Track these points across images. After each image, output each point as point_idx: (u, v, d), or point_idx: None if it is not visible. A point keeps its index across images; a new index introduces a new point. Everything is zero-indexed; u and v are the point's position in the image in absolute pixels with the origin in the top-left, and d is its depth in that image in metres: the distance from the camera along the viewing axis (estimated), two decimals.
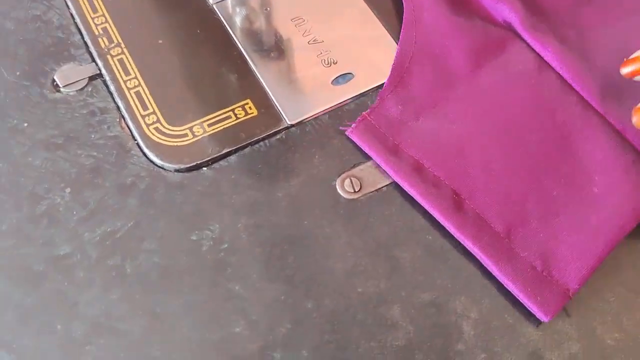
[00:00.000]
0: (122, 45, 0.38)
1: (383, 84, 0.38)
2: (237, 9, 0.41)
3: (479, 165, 0.35)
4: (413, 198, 0.35)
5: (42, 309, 0.31)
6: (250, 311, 0.32)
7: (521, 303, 0.33)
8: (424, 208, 0.35)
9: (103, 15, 0.39)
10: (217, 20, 0.40)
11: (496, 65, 0.39)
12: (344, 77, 0.39)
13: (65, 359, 0.30)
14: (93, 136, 0.36)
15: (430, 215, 0.34)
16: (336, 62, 0.39)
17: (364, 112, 0.37)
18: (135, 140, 0.36)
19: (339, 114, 0.38)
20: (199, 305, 0.32)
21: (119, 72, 0.38)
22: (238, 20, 0.40)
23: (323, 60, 0.39)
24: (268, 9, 0.41)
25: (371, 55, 0.40)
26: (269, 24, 0.40)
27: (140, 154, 0.35)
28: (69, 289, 0.32)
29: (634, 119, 0.33)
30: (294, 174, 0.36)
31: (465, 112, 0.37)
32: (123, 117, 0.37)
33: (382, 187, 0.35)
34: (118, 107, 0.37)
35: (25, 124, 0.36)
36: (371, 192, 0.35)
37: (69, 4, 0.40)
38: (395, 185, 0.35)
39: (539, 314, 0.32)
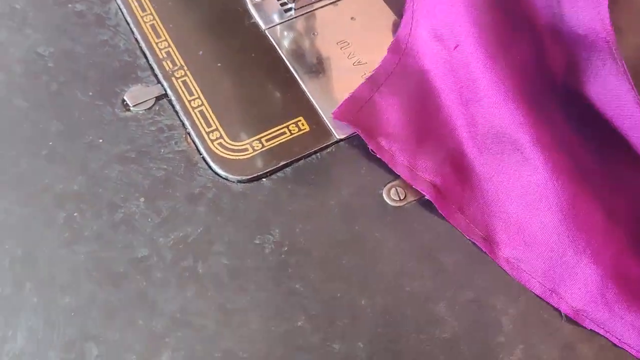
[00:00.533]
0: (185, 68, 0.42)
1: None
2: (287, 34, 0.44)
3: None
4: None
5: (125, 306, 0.35)
6: (310, 307, 0.35)
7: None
8: None
9: (166, 40, 0.43)
10: (269, 45, 0.44)
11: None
12: None
13: (147, 350, 0.34)
14: (162, 151, 0.40)
15: None
16: None
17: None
18: (201, 154, 0.40)
19: None
20: (265, 301, 0.35)
21: (183, 93, 0.41)
22: (288, 44, 0.44)
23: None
24: (315, 33, 0.45)
25: None
26: (317, 48, 0.44)
27: (206, 166, 0.39)
28: (148, 288, 0.35)
29: None
30: (344, 184, 0.39)
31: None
32: (189, 133, 0.40)
33: (425, 196, 0.39)
34: (184, 125, 0.41)
35: (101, 140, 0.40)
36: (415, 200, 0.39)
37: (134, 29, 0.44)
38: None
39: None
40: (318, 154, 0.40)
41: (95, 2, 0.45)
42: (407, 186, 0.39)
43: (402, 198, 0.39)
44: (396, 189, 0.39)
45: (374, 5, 0.46)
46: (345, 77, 0.43)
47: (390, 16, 0.46)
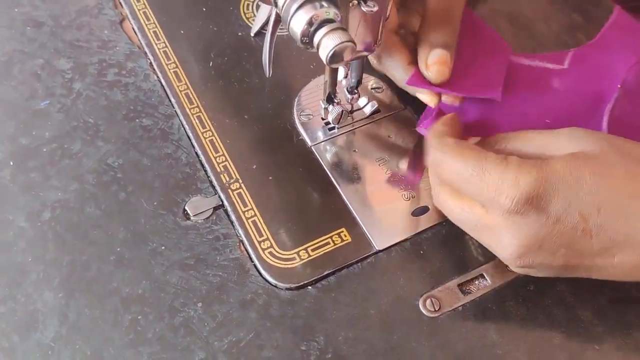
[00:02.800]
0: (240, 181, 0.47)
1: None
2: (330, 151, 0.49)
3: None
4: (485, 316, 0.42)
5: None
6: None
7: None
8: (495, 324, 0.41)
9: (223, 154, 0.48)
10: (315, 160, 0.49)
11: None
12: (422, 210, 0.46)
13: None
14: (218, 258, 0.44)
15: (500, 331, 0.41)
16: (414, 197, 0.47)
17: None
18: (253, 262, 0.44)
19: (418, 241, 0.45)
20: None
21: (238, 204, 0.46)
22: (331, 160, 0.49)
23: (403, 195, 0.47)
24: (356, 150, 0.49)
25: None
26: (357, 163, 0.49)
27: (257, 274, 0.43)
28: None
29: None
30: (383, 294, 0.43)
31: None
32: (242, 242, 0.45)
33: (458, 307, 0.42)
34: (238, 234, 0.45)
35: (163, 247, 0.44)
36: (449, 311, 0.42)
37: (194, 144, 0.49)
38: (469, 305, 0.42)
39: None
40: (359, 264, 0.44)
41: (160, 117, 0.51)
42: (441, 297, 0.43)
43: (436, 309, 0.42)
44: (431, 300, 0.42)
45: (408, 125, 0.51)
46: (383, 192, 0.47)
47: (421, 136, 0.50)
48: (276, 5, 0.37)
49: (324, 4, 0.35)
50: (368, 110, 0.51)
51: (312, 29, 0.35)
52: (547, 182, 0.37)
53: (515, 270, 0.41)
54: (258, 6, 0.57)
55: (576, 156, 0.38)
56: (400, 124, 0.51)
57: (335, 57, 0.36)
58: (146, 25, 0.56)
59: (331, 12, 0.35)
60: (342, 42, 0.35)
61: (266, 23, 0.53)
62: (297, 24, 0.36)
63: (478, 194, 0.39)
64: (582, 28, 0.58)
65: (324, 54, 0.35)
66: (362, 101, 0.51)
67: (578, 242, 0.38)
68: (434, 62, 0.45)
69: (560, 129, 0.41)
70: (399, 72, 0.47)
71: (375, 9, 0.38)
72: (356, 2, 0.38)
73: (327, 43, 0.35)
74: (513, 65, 0.50)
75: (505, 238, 0.39)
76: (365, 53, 0.43)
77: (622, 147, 0.39)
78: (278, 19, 0.40)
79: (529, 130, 0.42)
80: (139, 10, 0.57)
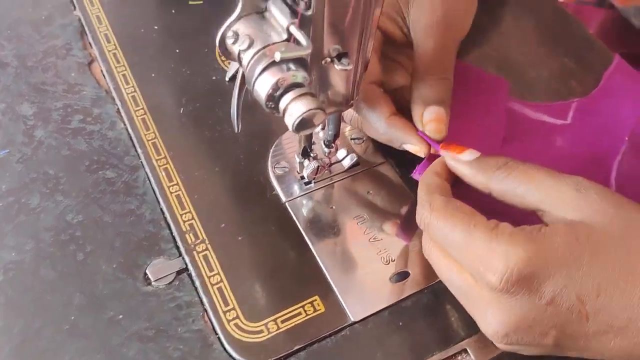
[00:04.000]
0: (207, 242, 0.44)
1: (438, 282, 0.43)
2: (306, 207, 0.46)
3: None
4: None
5: None
6: None
7: None
8: None
9: (190, 212, 0.45)
10: (289, 217, 0.46)
11: None
12: (402, 275, 0.43)
13: None
14: (180, 329, 0.41)
15: None
16: (394, 260, 0.44)
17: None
18: (217, 334, 0.40)
19: (398, 311, 0.42)
20: None
21: (204, 268, 0.43)
22: (306, 217, 0.46)
23: (382, 258, 0.44)
24: (333, 207, 0.46)
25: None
26: (334, 222, 0.46)
27: (221, 348, 0.40)
28: None
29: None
30: None
31: None
32: (206, 311, 0.41)
33: None
34: (202, 302, 0.42)
35: (121, 316, 0.41)
36: None
37: (160, 199, 0.46)
38: None
39: None
40: (333, 337, 0.41)
41: (125, 169, 0.48)
42: None
43: None
44: None
45: (389, 179, 0.48)
46: (361, 255, 0.44)
47: (404, 191, 0.47)
48: (240, 64, 0.34)
49: (292, 66, 0.32)
50: (347, 163, 0.48)
51: (278, 93, 0.32)
52: (541, 260, 0.33)
53: (500, 347, 0.38)
54: None
55: (576, 230, 0.34)
56: (380, 179, 0.48)
57: (303, 125, 0.32)
58: (115, 67, 0.53)
59: (299, 75, 0.32)
60: (310, 110, 0.32)
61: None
62: (262, 87, 0.33)
63: (466, 263, 0.36)
64: (575, 74, 0.55)
65: (290, 121, 0.32)
66: (341, 153, 0.48)
67: (572, 325, 0.34)
68: (430, 119, 0.42)
69: (566, 176, 0.37)
70: (381, 125, 0.44)
71: (350, 67, 0.35)
72: (329, 59, 0.36)
73: (293, 110, 0.32)
74: (514, 116, 0.47)
75: (490, 314, 0.35)
76: (340, 109, 0.40)
77: (629, 217, 0.35)
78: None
79: (533, 167, 0.38)
80: (108, 51, 0.54)
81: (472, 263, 0.35)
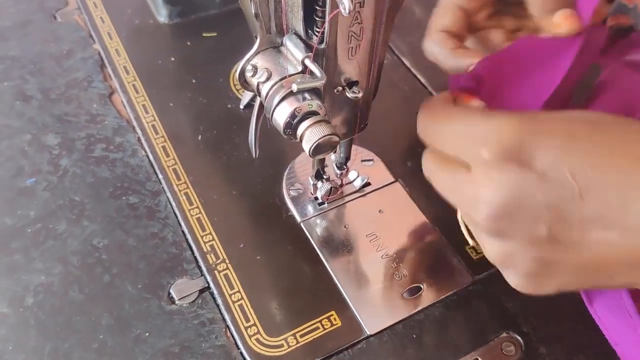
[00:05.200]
0: (227, 261, 0.46)
1: (449, 296, 0.45)
2: (320, 227, 0.48)
3: None
4: None
5: None
6: None
7: None
8: None
9: (210, 233, 0.47)
10: (304, 237, 0.48)
11: None
12: (415, 290, 0.45)
13: None
14: (203, 345, 0.42)
15: None
16: (406, 276, 0.46)
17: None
18: (239, 349, 0.42)
19: (411, 324, 0.44)
20: None
21: (225, 287, 0.45)
22: (321, 236, 0.48)
23: (395, 274, 0.46)
24: (346, 226, 0.49)
25: (437, 269, 0.46)
26: (347, 240, 0.48)
27: None
28: None
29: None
30: None
31: None
32: (228, 327, 0.43)
33: None
34: (224, 319, 0.44)
35: (147, 334, 0.43)
36: None
37: (181, 222, 0.48)
38: None
39: None
40: (349, 350, 0.43)
41: (147, 195, 0.50)
42: None
43: None
44: None
45: (399, 198, 0.50)
46: (374, 271, 0.46)
47: (414, 209, 0.49)
48: (259, 95, 0.37)
49: (307, 95, 0.35)
50: (358, 184, 0.50)
51: (295, 121, 0.35)
52: (532, 132, 0.32)
53: (489, 247, 0.34)
54: None
55: (570, 112, 0.34)
56: (390, 198, 0.50)
57: (319, 149, 0.35)
58: (135, 98, 0.56)
59: (314, 104, 0.35)
60: (325, 136, 0.34)
61: (255, 96, 0.53)
62: (281, 116, 0.35)
63: (461, 149, 0.34)
64: None
65: (307, 146, 0.35)
66: (352, 175, 0.51)
67: (565, 205, 0.31)
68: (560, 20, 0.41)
69: None
70: (449, 60, 0.43)
71: (360, 94, 0.38)
72: (341, 88, 0.38)
73: (310, 136, 0.34)
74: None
75: (481, 197, 0.33)
76: (351, 134, 0.43)
77: (618, 117, 0.34)
78: (263, 104, 0.39)
79: None
80: (128, 82, 0.57)
81: (466, 144, 0.34)
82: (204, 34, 0.61)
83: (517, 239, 0.32)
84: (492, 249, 0.34)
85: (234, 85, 0.57)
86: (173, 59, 0.59)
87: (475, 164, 0.33)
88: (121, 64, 0.58)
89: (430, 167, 0.36)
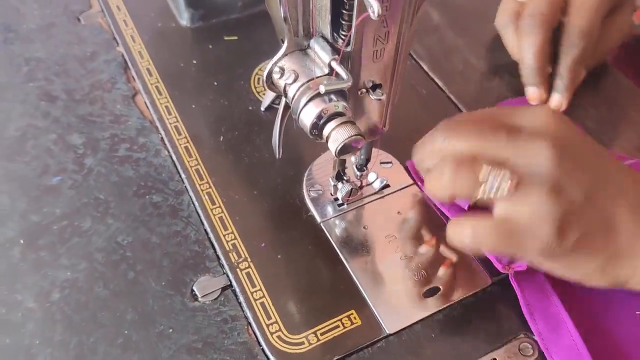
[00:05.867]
0: (249, 260, 0.47)
1: (468, 297, 0.45)
2: (339, 228, 0.49)
3: None
4: None
5: None
6: None
7: None
8: None
9: (232, 232, 0.48)
10: (324, 237, 0.49)
11: None
12: (433, 291, 0.46)
13: None
14: (226, 342, 0.43)
15: None
16: (425, 276, 0.47)
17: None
18: (261, 346, 0.43)
19: (430, 324, 0.45)
20: None
21: (247, 285, 0.46)
22: (340, 237, 0.49)
23: (413, 274, 0.47)
24: (365, 227, 0.49)
25: (456, 271, 0.47)
26: (367, 241, 0.48)
27: (265, 359, 0.43)
28: None
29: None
30: None
31: None
32: (250, 324, 0.44)
33: None
34: (246, 316, 0.44)
35: (171, 330, 0.44)
36: None
37: (204, 221, 0.49)
38: None
39: None
40: (369, 349, 0.43)
41: (170, 194, 0.51)
42: None
43: None
44: None
45: (416, 199, 0.51)
46: (393, 271, 0.47)
47: (430, 210, 0.50)
48: (286, 97, 0.38)
49: (333, 97, 0.36)
50: (377, 185, 0.51)
51: (322, 122, 0.36)
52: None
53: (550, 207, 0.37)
54: None
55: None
56: (409, 199, 0.51)
57: (344, 150, 0.36)
58: (158, 99, 0.57)
59: (340, 105, 0.36)
60: (351, 136, 0.35)
61: (277, 97, 0.54)
62: (307, 117, 0.36)
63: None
64: None
65: (334, 147, 0.36)
66: (372, 177, 0.51)
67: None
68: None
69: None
70: (528, 54, 0.51)
71: (383, 97, 0.39)
72: (365, 90, 0.39)
73: (336, 137, 0.35)
74: None
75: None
76: (374, 136, 0.44)
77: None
78: (288, 105, 0.40)
79: None
80: (151, 84, 0.58)
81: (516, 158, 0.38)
82: (225, 37, 0.62)
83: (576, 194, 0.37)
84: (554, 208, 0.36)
85: (255, 87, 0.58)
86: (195, 62, 0.60)
87: (530, 174, 0.37)
88: (144, 66, 0.59)
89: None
